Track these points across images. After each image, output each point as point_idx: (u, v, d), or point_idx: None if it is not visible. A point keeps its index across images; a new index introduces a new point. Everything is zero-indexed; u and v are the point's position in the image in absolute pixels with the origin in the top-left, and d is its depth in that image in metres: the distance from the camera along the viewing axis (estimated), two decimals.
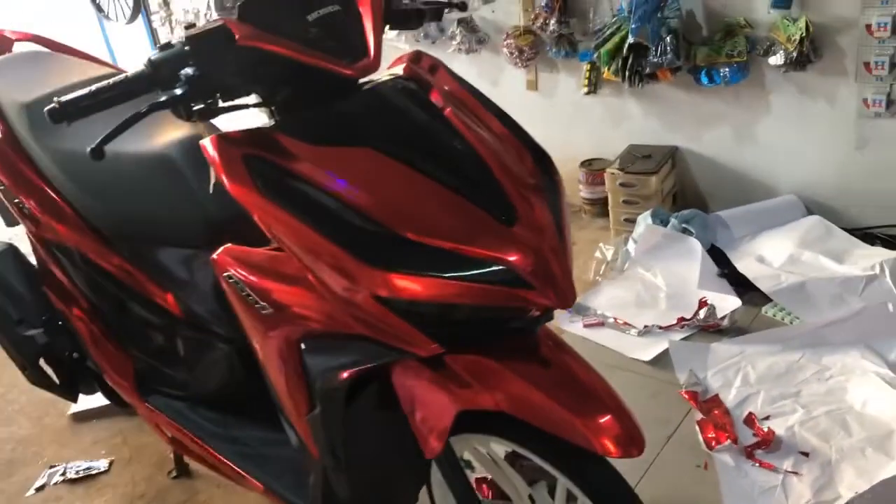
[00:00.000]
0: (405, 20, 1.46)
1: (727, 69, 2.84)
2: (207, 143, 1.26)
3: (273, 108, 1.33)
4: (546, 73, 3.40)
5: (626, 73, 2.93)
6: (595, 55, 3.05)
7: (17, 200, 1.88)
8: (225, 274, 1.36)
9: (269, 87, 1.29)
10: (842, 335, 2.37)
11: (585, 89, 3.17)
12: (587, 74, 3.17)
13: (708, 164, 3.16)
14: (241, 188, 1.21)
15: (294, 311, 1.29)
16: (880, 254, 2.54)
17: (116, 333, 1.91)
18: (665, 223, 2.95)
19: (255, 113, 1.38)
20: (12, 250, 2.12)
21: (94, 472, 2.36)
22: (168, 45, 1.25)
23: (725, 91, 2.95)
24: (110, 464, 2.39)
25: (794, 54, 2.66)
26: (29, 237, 1.99)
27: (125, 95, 1.22)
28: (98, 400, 2.35)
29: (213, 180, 1.39)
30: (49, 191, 1.84)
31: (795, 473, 1.95)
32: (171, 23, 4.80)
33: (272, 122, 1.33)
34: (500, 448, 1.49)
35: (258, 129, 1.28)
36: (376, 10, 1.34)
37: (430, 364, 1.30)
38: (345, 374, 1.32)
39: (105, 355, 1.92)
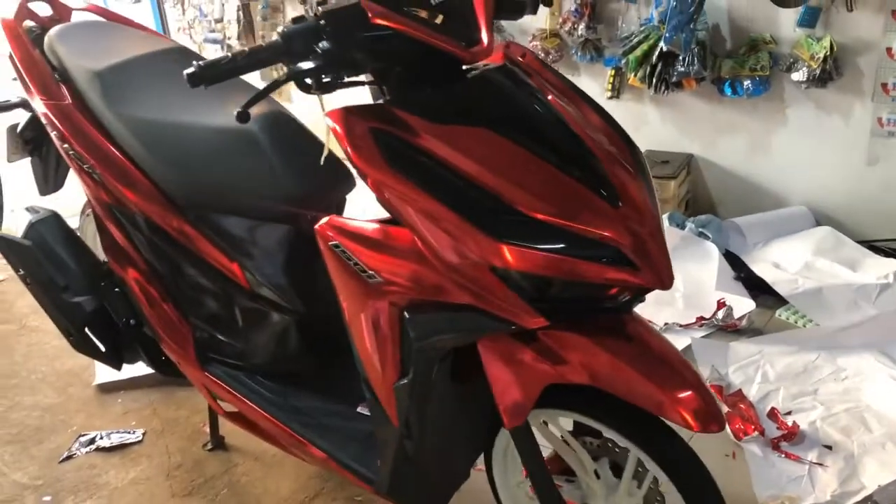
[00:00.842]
0: (510, 10, 1.52)
1: (750, 82, 2.97)
2: (331, 117, 1.32)
3: (385, 86, 1.39)
4: (569, 76, 3.48)
5: (654, 80, 3.03)
6: (623, 61, 3.15)
7: (87, 166, 1.91)
8: (331, 243, 1.41)
9: (388, 64, 1.35)
10: (856, 339, 2.50)
11: (609, 93, 3.28)
12: (611, 79, 3.28)
13: (722, 173, 3.28)
14: (368, 160, 1.27)
15: (402, 281, 1.35)
16: (891, 264, 2.67)
17: (177, 302, 1.94)
18: (682, 227, 3.06)
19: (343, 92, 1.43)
20: (55, 218, 2.14)
21: (128, 441, 2.38)
22: (300, 19, 1.30)
23: (744, 103, 3.08)
24: (143, 434, 2.41)
25: (818, 71, 2.79)
26: (92, 203, 2.01)
27: (259, 63, 1.28)
28: (125, 372, 2.37)
29: (325, 152, 1.45)
30: (122, 157, 1.86)
31: (821, 465, 2.06)
32: (183, 4, 4.79)
33: (384, 99, 1.39)
34: (564, 423, 1.57)
35: (378, 105, 1.34)
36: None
37: (521, 337, 1.37)
38: (448, 343, 1.39)
39: (165, 322, 1.95)
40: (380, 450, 1.64)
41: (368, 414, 1.81)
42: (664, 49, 2.91)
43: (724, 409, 2.28)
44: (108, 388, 2.64)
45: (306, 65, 1.27)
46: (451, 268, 1.28)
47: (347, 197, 1.90)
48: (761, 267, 2.83)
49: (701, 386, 1.33)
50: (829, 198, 3.06)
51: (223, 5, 4.46)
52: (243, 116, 1.26)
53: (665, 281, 1.28)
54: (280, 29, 1.28)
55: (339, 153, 1.38)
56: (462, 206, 1.24)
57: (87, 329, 2.13)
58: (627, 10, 3.20)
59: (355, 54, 1.29)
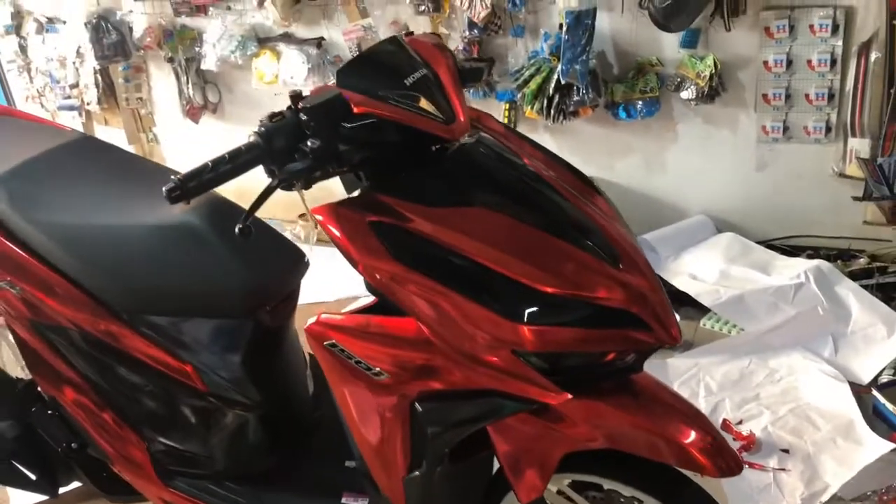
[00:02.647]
0: (471, 79, 1.49)
1: (642, 104, 3.08)
2: (320, 213, 1.24)
3: (362, 173, 1.33)
4: None
5: (552, 111, 3.09)
6: (519, 95, 3.19)
7: (1, 282, 1.71)
8: (326, 343, 1.32)
9: (371, 153, 1.29)
10: (781, 339, 2.63)
11: None
12: (506, 113, 3.32)
13: (622, 192, 3.39)
14: (373, 255, 1.21)
15: (413, 374, 1.29)
16: (800, 264, 2.84)
17: (127, 417, 1.77)
18: None
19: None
20: None
21: None
22: (277, 115, 1.22)
23: (637, 124, 3.19)
24: None
25: (706, 88, 2.94)
26: (8, 321, 1.80)
27: (241, 168, 1.18)
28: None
29: (313, 242, 1.36)
30: (44, 267, 1.68)
31: (783, 470, 2.15)
32: (29, 71, 4.44)
33: (363, 187, 1.33)
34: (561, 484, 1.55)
35: (368, 196, 1.28)
36: (453, 72, 1.38)
37: (534, 411, 1.34)
38: (465, 431, 1.33)
39: (115, 441, 1.77)
40: None
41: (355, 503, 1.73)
42: (562, 82, 2.97)
43: None
44: None
45: (296, 166, 1.18)
46: (467, 356, 1.24)
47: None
48: (679, 280, 2.93)
49: (714, 432, 1.35)
50: (724, 204, 3.23)
51: (77, 69, 4.16)
52: (246, 232, 1.16)
53: (676, 336, 1.29)
54: (258, 128, 1.20)
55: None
56: (475, 292, 1.20)
57: (12, 460, 1.91)
58: (515, 45, 3.25)
59: (342, 147, 1.22)
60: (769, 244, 3.15)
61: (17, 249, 1.70)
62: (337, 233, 1.23)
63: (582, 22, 2.91)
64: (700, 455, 1.30)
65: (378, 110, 1.22)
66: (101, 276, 1.66)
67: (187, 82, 3.85)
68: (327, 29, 3.58)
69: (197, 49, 3.78)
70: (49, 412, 1.85)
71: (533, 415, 1.33)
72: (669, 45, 3.05)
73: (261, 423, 1.79)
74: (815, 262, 2.81)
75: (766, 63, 2.94)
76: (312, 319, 1.34)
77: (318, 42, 3.57)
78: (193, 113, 3.89)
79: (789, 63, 2.90)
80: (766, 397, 2.44)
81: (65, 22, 4.11)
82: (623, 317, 1.24)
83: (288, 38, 3.63)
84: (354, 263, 1.25)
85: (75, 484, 2.06)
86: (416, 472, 1.40)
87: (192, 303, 1.66)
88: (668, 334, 1.27)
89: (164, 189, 1.14)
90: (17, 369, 2.16)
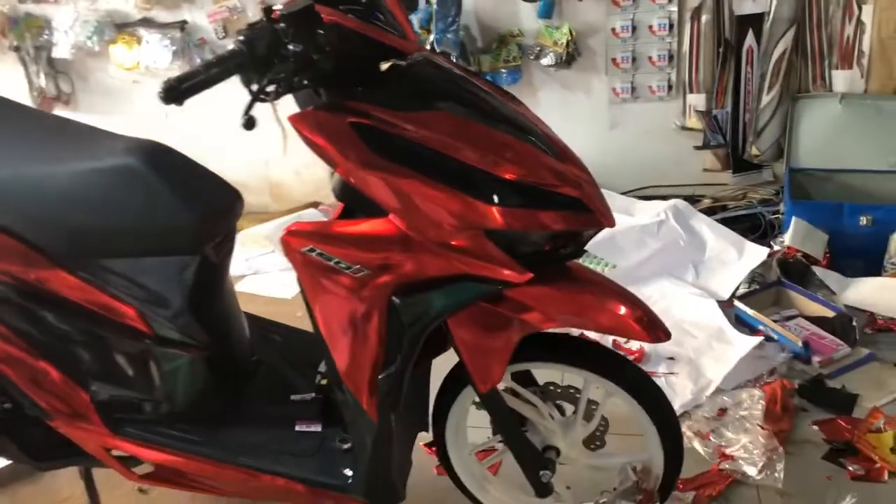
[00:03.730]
0: (408, 7, 1.62)
1: (506, 72, 3.33)
2: (295, 121, 1.33)
3: (321, 87, 1.42)
4: None
5: None
6: None
7: None
8: (303, 249, 1.41)
9: (337, 64, 1.38)
10: (650, 270, 2.95)
11: None
12: None
13: None
14: (354, 153, 1.31)
15: (390, 266, 1.39)
16: (659, 205, 3.18)
17: (69, 369, 1.73)
18: None
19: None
20: None
21: None
22: (253, 25, 1.29)
23: None
24: None
25: (563, 55, 3.23)
26: None
27: (228, 72, 1.25)
28: None
29: (284, 153, 1.44)
30: None
31: (672, 374, 2.44)
32: None
33: (321, 100, 1.42)
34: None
35: (335, 104, 1.38)
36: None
37: (490, 301, 1.49)
38: (440, 318, 1.46)
39: (57, 396, 1.72)
40: (358, 451, 1.64)
41: (309, 430, 1.80)
42: (437, 50, 3.15)
43: None
44: None
45: (279, 69, 1.26)
46: (441, 244, 1.36)
47: None
48: None
49: (644, 306, 1.56)
50: (584, 161, 3.50)
51: None
52: (250, 123, 1.23)
53: (612, 221, 1.49)
54: (238, 37, 1.27)
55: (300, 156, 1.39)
56: (451, 180, 1.34)
57: None
58: None
59: (316, 56, 1.31)
60: (625, 195, 3.49)
61: None
62: (317, 137, 1.32)
63: None
64: (636, 324, 1.50)
65: (347, 22, 1.33)
66: (39, 223, 1.63)
67: (38, 72, 3.67)
68: (189, 12, 3.56)
69: (46, 36, 3.62)
70: None
71: (489, 303, 1.48)
72: (527, 16, 3.32)
73: (206, 365, 1.81)
74: (672, 201, 3.16)
75: (613, 30, 3.27)
76: (288, 230, 1.42)
77: (181, 25, 3.54)
78: (47, 104, 3.71)
79: (634, 29, 3.25)
80: None
81: None
82: (570, 203, 1.42)
83: (148, 22, 3.57)
84: (334, 165, 1.35)
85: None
86: (391, 369, 1.51)
87: (138, 242, 1.67)
88: (607, 218, 1.47)
89: (159, 89, 1.19)
90: None
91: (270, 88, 1.32)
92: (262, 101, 1.31)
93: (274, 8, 1.32)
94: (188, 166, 1.71)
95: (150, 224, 1.65)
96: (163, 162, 1.66)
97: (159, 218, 1.64)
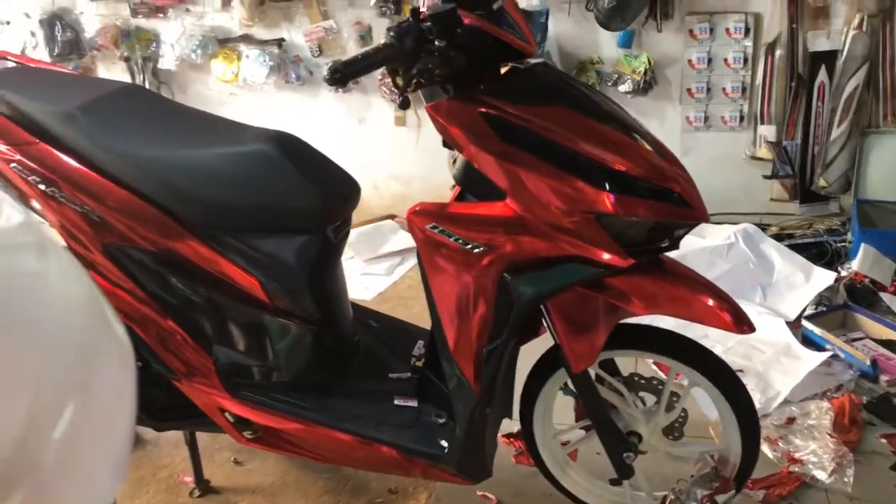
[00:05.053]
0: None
1: None
2: (432, 111, 1.51)
3: (449, 84, 1.60)
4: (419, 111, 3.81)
5: None
6: None
7: (81, 208, 1.83)
8: (428, 226, 1.57)
9: (471, 62, 1.55)
10: None
11: None
12: None
13: None
14: (484, 139, 1.48)
15: (504, 244, 1.55)
16: (728, 228, 3.29)
17: (195, 332, 1.91)
18: None
19: None
20: None
21: None
22: (401, 24, 1.47)
23: None
24: None
25: (640, 83, 3.39)
26: (81, 251, 1.90)
27: (386, 60, 1.44)
28: None
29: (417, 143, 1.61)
30: (126, 192, 1.82)
31: None
32: None
33: (449, 95, 1.59)
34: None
35: (464, 97, 1.55)
36: (518, 7, 1.69)
37: (589, 287, 1.63)
38: (547, 296, 1.60)
39: (183, 356, 1.90)
40: (458, 422, 1.78)
41: (407, 405, 1.95)
42: None
43: None
44: None
45: (426, 61, 1.44)
46: (553, 225, 1.51)
47: None
48: None
49: (732, 300, 1.68)
50: None
51: None
52: (406, 102, 1.41)
53: (706, 216, 1.63)
54: (389, 32, 1.45)
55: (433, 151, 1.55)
56: (568, 167, 1.49)
57: None
58: None
59: (455, 52, 1.49)
60: None
61: (97, 177, 1.83)
62: (451, 124, 1.49)
63: (536, 20, 3.30)
64: (725, 315, 1.62)
65: (484, 24, 1.50)
66: (181, 196, 1.82)
67: (143, 81, 3.95)
68: (288, 31, 3.81)
69: (154, 48, 3.91)
70: None
71: (590, 289, 1.62)
72: (608, 45, 3.49)
73: (316, 338, 1.98)
74: (742, 225, 3.27)
75: (690, 61, 3.43)
76: (414, 207, 1.59)
77: (279, 42, 3.79)
78: None
79: (709, 61, 3.40)
80: (715, 334, 2.81)
81: (8, 22, 4.11)
82: (671, 196, 1.56)
83: (248, 39, 3.83)
84: (461, 149, 1.52)
85: None
86: (497, 342, 1.65)
87: (268, 219, 1.85)
88: (703, 213, 1.61)
89: (325, 71, 1.38)
90: None
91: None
92: (407, 91, 1.49)
93: (421, 9, 1.50)
94: (317, 156, 1.91)
95: (281, 203, 1.84)
96: (296, 150, 1.86)
97: (288, 199, 1.83)
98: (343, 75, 1.39)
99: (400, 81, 1.49)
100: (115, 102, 1.97)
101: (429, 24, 1.45)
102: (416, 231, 1.60)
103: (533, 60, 1.65)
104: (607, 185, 1.49)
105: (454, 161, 1.65)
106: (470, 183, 1.62)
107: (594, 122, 1.56)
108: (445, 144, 1.61)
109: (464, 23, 1.49)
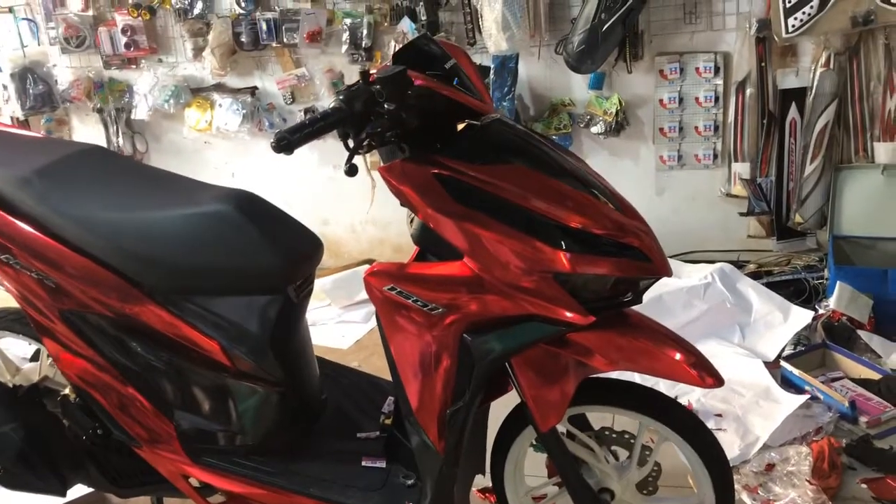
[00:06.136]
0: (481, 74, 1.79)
1: (556, 139, 3.49)
2: (384, 172, 1.48)
3: (405, 144, 1.58)
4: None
5: None
6: None
7: (35, 274, 1.80)
8: (386, 287, 1.54)
9: (422, 122, 1.54)
10: (698, 331, 3.01)
11: None
12: None
13: None
14: (438, 201, 1.45)
15: (463, 305, 1.52)
16: (705, 268, 3.28)
17: (155, 398, 1.86)
18: None
19: None
20: None
21: None
22: (353, 86, 1.46)
23: None
24: None
25: (612, 124, 3.39)
26: (37, 317, 1.87)
27: (331, 126, 1.42)
28: None
29: (371, 203, 1.59)
30: (82, 258, 1.79)
31: (720, 430, 2.49)
32: None
33: (404, 155, 1.57)
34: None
35: (418, 157, 1.53)
36: (474, 65, 1.68)
37: (553, 343, 1.60)
38: (508, 356, 1.57)
39: (143, 423, 1.86)
40: (425, 483, 1.73)
41: (374, 467, 1.90)
42: None
43: None
44: None
45: (374, 125, 1.42)
46: (512, 285, 1.49)
47: None
48: None
49: (697, 352, 1.65)
50: None
51: None
52: (353, 170, 1.38)
53: (669, 270, 1.61)
54: (339, 96, 1.43)
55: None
56: (523, 226, 1.47)
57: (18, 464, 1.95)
58: None
59: (406, 113, 1.47)
60: (671, 259, 3.58)
61: (52, 242, 1.80)
62: (404, 186, 1.47)
63: (506, 66, 3.31)
64: (690, 370, 1.59)
65: (435, 86, 1.49)
66: (137, 260, 1.79)
67: (116, 132, 3.93)
68: (261, 79, 3.81)
69: (127, 99, 3.90)
70: (75, 400, 1.91)
71: (553, 346, 1.59)
72: (579, 87, 3.50)
73: (280, 400, 1.93)
74: (719, 264, 3.25)
75: (661, 101, 3.44)
76: (372, 269, 1.57)
77: (252, 91, 3.79)
78: None
79: (681, 100, 3.41)
80: None
81: None
82: (631, 252, 1.54)
83: (221, 87, 3.83)
84: (416, 211, 1.50)
85: (81, 490, 2.10)
86: (460, 403, 1.62)
87: (227, 281, 1.82)
88: (665, 267, 1.58)
89: (273, 140, 1.36)
90: (7, 375, 2.21)
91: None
92: (358, 153, 1.47)
93: (371, 72, 1.49)
94: (276, 214, 1.88)
95: (240, 264, 1.80)
96: (254, 209, 1.83)
97: (248, 259, 1.80)
98: (289, 142, 1.37)
99: (351, 144, 1.47)
100: (73, 165, 1.95)
101: (378, 86, 1.44)
102: (375, 292, 1.58)
103: (491, 116, 1.63)
104: (564, 244, 1.47)
105: (411, 221, 1.63)
106: (427, 243, 1.60)
107: (551, 179, 1.54)
108: (403, 204, 1.59)
109: (414, 84, 1.47)
